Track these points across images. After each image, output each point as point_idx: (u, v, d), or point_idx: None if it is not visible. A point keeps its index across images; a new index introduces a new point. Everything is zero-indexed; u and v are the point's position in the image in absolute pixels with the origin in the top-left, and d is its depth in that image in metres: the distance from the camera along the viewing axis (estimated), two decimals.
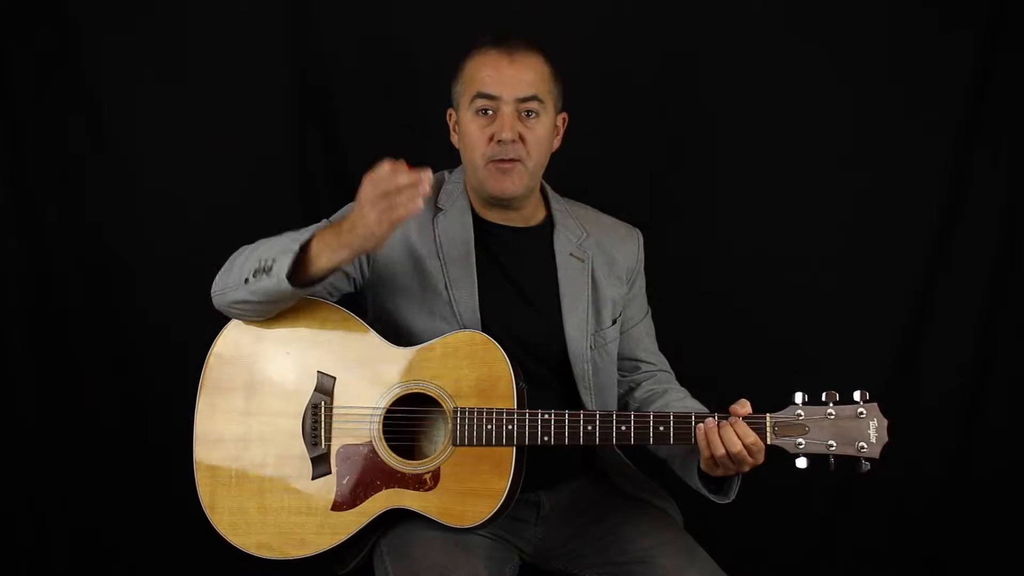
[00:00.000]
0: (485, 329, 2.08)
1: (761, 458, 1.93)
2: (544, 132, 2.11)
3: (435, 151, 2.32)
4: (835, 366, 2.88)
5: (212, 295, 2.08)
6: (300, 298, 2.02)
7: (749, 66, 2.90)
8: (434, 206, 2.17)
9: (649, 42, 2.89)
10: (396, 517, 2.03)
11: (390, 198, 1.82)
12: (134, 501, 2.95)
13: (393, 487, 2.01)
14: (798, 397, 1.92)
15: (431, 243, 2.13)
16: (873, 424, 1.89)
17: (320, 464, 2.04)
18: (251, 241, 2.09)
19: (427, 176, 1.82)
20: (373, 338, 2.06)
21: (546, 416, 1.98)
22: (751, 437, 1.90)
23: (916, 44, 2.87)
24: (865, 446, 1.89)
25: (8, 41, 2.82)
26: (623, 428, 1.96)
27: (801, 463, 1.91)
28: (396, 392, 2.04)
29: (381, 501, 2.02)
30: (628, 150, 2.93)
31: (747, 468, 1.94)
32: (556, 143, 2.19)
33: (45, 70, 2.84)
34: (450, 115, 2.19)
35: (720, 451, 1.91)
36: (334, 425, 2.04)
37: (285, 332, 2.07)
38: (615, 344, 2.23)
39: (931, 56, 2.87)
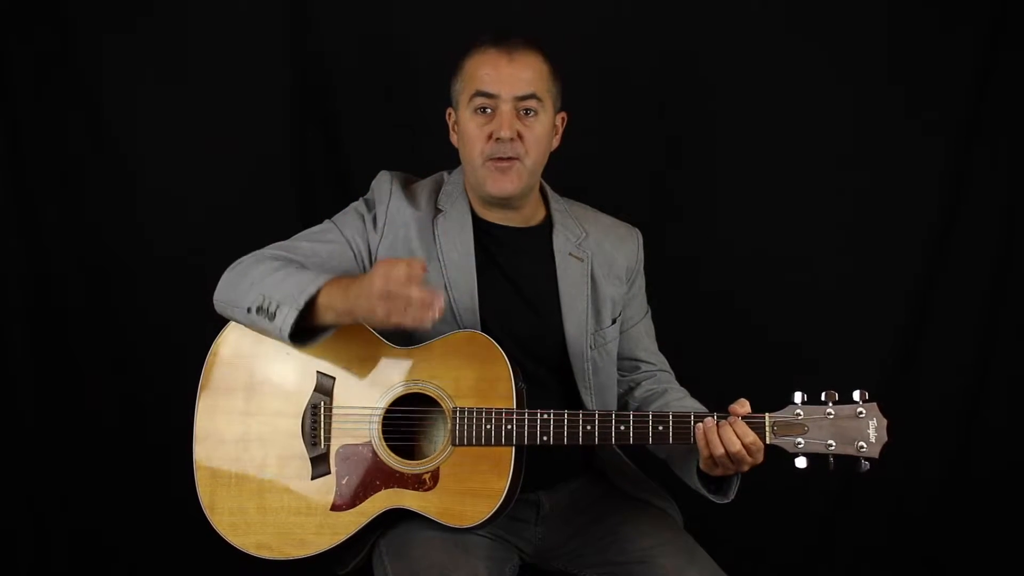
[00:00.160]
0: (484, 329, 2.08)
1: (760, 458, 1.93)
2: (543, 131, 2.11)
3: (434, 151, 2.33)
4: (835, 366, 2.88)
5: (214, 301, 2.08)
6: None
7: (749, 66, 2.90)
8: (434, 207, 2.17)
9: (648, 41, 2.89)
10: (396, 517, 2.03)
11: (401, 301, 1.84)
12: (134, 501, 2.95)
13: (392, 487, 2.01)
14: (797, 397, 1.92)
15: (431, 244, 2.13)
16: (872, 424, 1.89)
17: (319, 464, 2.04)
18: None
19: (439, 303, 1.84)
20: (372, 338, 2.06)
21: (545, 416, 1.98)
22: (750, 437, 1.90)
23: (916, 44, 2.87)
24: (864, 446, 1.89)
25: (8, 41, 2.83)
26: (622, 428, 1.96)
27: (800, 463, 1.91)
28: (395, 392, 2.04)
29: (380, 501, 2.01)
30: (628, 149, 2.93)
31: (746, 468, 1.93)
32: (555, 142, 2.19)
33: (45, 70, 2.84)
34: (449, 114, 2.19)
35: (719, 451, 1.91)
36: (333, 425, 2.04)
37: None
38: (615, 344, 2.23)
39: (931, 56, 2.87)
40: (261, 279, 2.00)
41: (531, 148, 2.09)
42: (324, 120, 2.93)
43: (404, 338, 2.08)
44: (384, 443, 2.02)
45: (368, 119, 2.91)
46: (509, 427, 1.98)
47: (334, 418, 2.04)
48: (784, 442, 1.92)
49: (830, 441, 1.90)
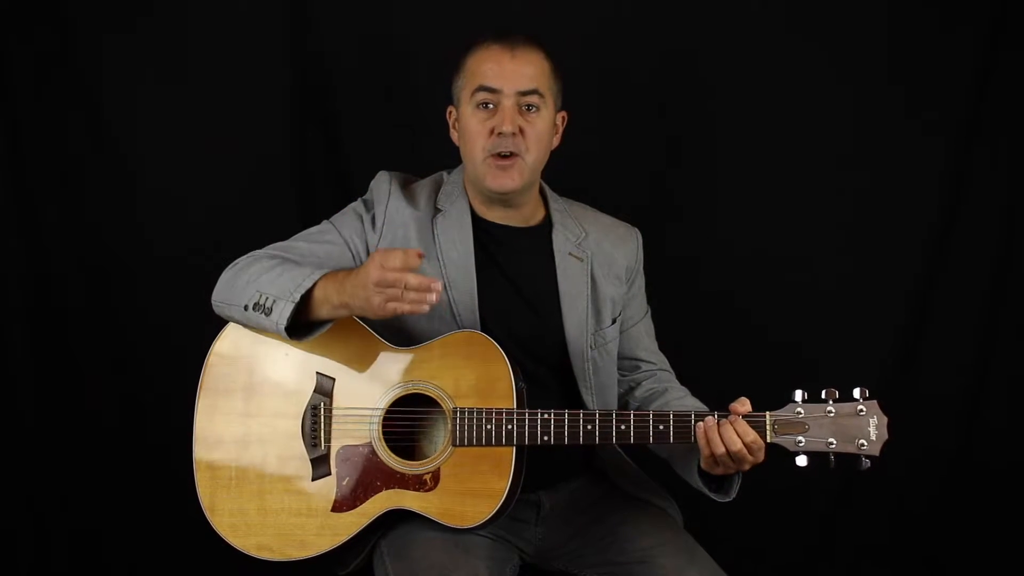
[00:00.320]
0: (484, 329, 2.07)
1: (761, 456, 1.93)
2: (544, 127, 2.11)
3: (434, 151, 2.33)
4: (835, 366, 2.88)
5: (212, 302, 2.08)
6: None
7: (749, 66, 2.90)
8: (433, 207, 2.17)
9: (648, 41, 2.89)
10: (396, 518, 2.03)
11: (397, 289, 1.84)
12: (134, 501, 2.95)
13: (393, 488, 2.01)
14: (798, 395, 1.92)
15: (430, 244, 2.13)
16: (873, 421, 1.89)
17: (320, 465, 2.03)
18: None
19: (437, 289, 1.84)
20: (372, 339, 2.06)
21: (546, 416, 1.97)
22: (751, 435, 1.90)
23: (916, 44, 2.87)
24: (865, 443, 1.89)
25: (8, 41, 2.83)
26: (622, 427, 1.96)
27: (801, 461, 1.91)
28: (395, 393, 2.04)
29: (381, 502, 2.01)
30: (628, 149, 2.93)
31: (747, 466, 1.93)
32: (555, 141, 2.19)
33: (45, 70, 2.84)
34: (450, 112, 2.19)
35: (720, 449, 1.91)
36: (334, 426, 2.04)
37: None
38: (615, 343, 2.23)
39: (931, 56, 2.87)
40: (257, 277, 2.01)
41: (532, 144, 2.09)
42: (324, 120, 2.93)
43: (403, 338, 2.08)
44: (384, 444, 2.02)
45: (368, 119, 2.91)
46: (509, 427, 1.98)
47: (334, 419, 2.04)
48: (785, 440, 1.92)
49: (831, 439, 1.90)
